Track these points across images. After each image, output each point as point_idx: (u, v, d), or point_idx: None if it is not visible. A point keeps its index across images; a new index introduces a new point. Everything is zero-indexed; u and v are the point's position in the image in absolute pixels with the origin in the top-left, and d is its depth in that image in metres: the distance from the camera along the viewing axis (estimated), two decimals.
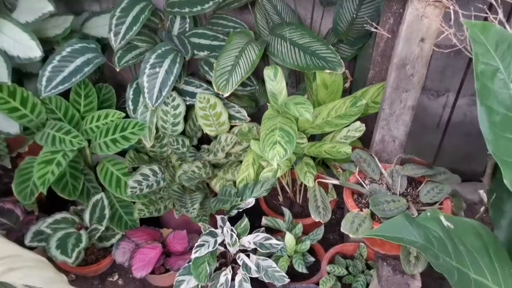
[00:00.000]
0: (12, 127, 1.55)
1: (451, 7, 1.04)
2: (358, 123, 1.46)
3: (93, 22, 1.71)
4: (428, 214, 0.87)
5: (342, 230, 1.14)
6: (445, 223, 0.87)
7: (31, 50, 1.45)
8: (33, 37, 1.45)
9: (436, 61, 1.74)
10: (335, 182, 1.30)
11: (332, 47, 1.49)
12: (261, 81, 1.61)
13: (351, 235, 1.11)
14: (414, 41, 1.21)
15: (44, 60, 1.48)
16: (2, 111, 1.48)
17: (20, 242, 1.57)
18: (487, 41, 0.88)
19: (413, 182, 1.30)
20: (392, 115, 1.36)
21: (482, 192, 1.07)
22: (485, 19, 1.08)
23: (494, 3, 1.04)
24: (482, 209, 1.14)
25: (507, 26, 1.04)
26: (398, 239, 0.81)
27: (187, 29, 1.66)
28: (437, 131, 1.98)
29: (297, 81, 1.87)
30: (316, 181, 1.42)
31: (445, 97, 1.89)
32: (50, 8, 1.48)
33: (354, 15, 1.58)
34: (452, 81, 1.83)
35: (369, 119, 1.58)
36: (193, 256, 1.39)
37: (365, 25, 1.47)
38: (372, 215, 1.17)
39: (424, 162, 1.29)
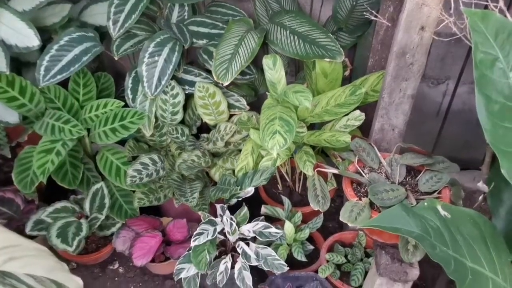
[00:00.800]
0: (11, 117, 1.54)
1: None
2: (357, 111, 1.46)
3: (91, 10, 1.69)
4: (425, 204, 0.87)
5: (341, 219, 1.14)
6: (442, 212, 0.87)
7: (28, 39, 1.44)
8: (31, 26, 1.44)
9: (436, 49, 1.73)
10: (335, 171, 1.30)
11: (331, 36, 1.48)
12: (261, 69, 1.60)
13: (350, 224, 1.11)
14: (414, 29, 1.20)
15: (42, 49, 1.47)
16: (1, 101, 1.47)
17: (20, 231, 1.58)
18: (486, 30, 0.87)
19: (412, 171, 1.30)
20: (392, 104, 1.36)
21: (481, 184, 1.07)
22: (486, 7, 1.07)
23: None
24: (481, 198, 1.15)
25: (507, 15, 1.04)
26: (395, 229, 0.81)
27: (186, 17, 1.65)
28: (437, 119, 1.97)
29: (296, 70, 1.86)
30: (315, 170, 1.42)
31: (445, 85, 1.88)
32: None
33: (354, 3, 1.57)
34: (452, 69, 1.82)
35: (369, 108, 1.57)
36: (192, 244, 1.40)
37: (364, 13, 1.46)
38: (371, 204, 1.18)
39: (423, 151, 1.29)
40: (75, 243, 1.52)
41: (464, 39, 1.03)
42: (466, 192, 1.76)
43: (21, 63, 1.62)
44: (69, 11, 1.61)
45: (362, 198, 1.20)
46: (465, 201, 1.41)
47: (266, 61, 1.42)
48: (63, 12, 1.61)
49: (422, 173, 1.25)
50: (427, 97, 1.93)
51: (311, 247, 1.58)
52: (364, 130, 1.60)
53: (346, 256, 1.56)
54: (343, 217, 1.14)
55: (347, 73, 1.69)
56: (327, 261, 1.53)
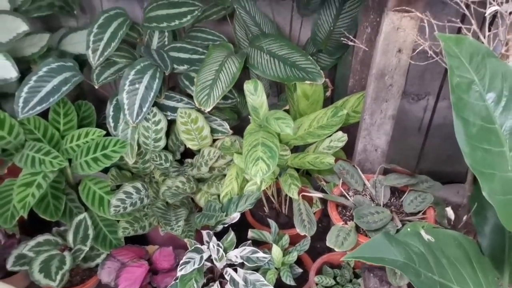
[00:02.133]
0: None
1: (425, 20, 1.04)
2: (340, 133, 1.46)
3: (70, 38, 1.69)
4: (408, 229, 0.87)
5: (327, 244, 1.14)
6: (426, 237, 0.87)
7: (6, 70, 1.43)
8: (8, 57, 1.43)
9: (416, 66, 1.76)
10: (319, 195, 1.30)
11: (311, 58, 1.49)
12: (243, 93, 1.60)
13: (336, 249, 1.11)
14: (391, 52, 1.22)
15: (21, 79, 1.46)
16: None
17: (1, 267, 1.54)
18: (461, 54, 0.89)
19: (396, 192, 1.30)
20: (373, 124, 1.37)
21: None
22: (459, 30, 1.09)
23: (467, 14, 1.05)
24: (465, 218, 1.15)
25: (481, 37, 1.06)
26: (378, 259, 0.81)
27: (166, 43, 1.65)
28: (419, 134, 1.99)
29: (278, 91, 1.87)
30: (300, 195, 1.42)
31: (426, 101, 1.91)
32: (24, 27, 1.46)
33: (332, 26, 1.59)
34: (431, 85, 1.85)
35: (352, 128, 1.58)
36: (179, 273, 1.38)
37: (342, 38, 1.48)
38: (357, 228, 1.17)
39: (407, 171, 1.30)
40: (58, 277, 1.48)
41: (440, 62, 1.05)
42: (451, 206, 1.78)
43: None
44: (47, 40, 1.60)
45: (348, 222, 1.19)
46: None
47: (248, 87, 1.42)
48: (42, 42, 1.60)
49: (406, 193, 1.26)
50: (409, 113, 1.95)
51: (300, 270, 1.57)
52: (348, 150, 1.61)
53: (335, 278, 1.55)
54: (330, 242, 1.13)
55: (328, 93, 1.70)
56: (316, 284, 1.52)
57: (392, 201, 1.28)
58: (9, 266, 1.53)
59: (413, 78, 1.83)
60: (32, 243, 1.55)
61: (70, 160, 1.59)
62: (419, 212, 1.21)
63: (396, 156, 1.99)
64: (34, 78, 1.48)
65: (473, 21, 1.04)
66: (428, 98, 1.90)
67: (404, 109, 1.93)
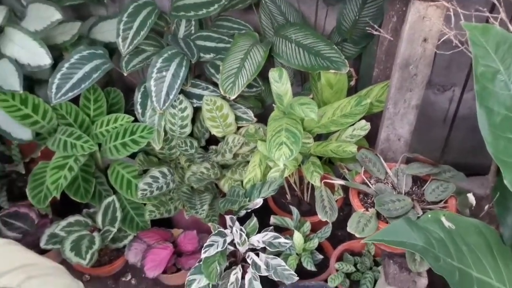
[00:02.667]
0: (25, 133, 1.58)
1: (451, 9, 1.04)
2: (363, 121, 1.47)
3: (100, 27, 1.73)
4: (429, 216, 0.89)
5: (348, 230, 1.16)
6: (446, 224, 0.88)
7: (40, 58, 1.48)
8: (42, 45, 1.48)
9: (442, 56, 1.74)
10: (341, 182, 1.32)
11: (336, 47, 1.50)
12: (267, 81, 1.62)
13: (357, 235, 1.13)
14: (416, 41, 1.22)
15: (54, 66, 1.51)
16: (15, 118, 1.51)
17: (35, 245, 1.62)
18: (487, 44, 0.89)
19: (418, 181, 1.31)
20: (397, 114, 1.37)
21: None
22: (487, 20, 1.08)
23: (496, 3, 1.04)
24: (486, 207, 1.15)
25: (509, 26, 1.05)
26: (398, 243, 0.82)
27: (193, 32, 1.68)
28: (444, 126, 1.98)
29: (303, 80, 1.88)
30: (322, 181, 1.44)
31: (451, 92, 1.89)
32: (58, 16, 1.51)
33: (357, 15, 1.59)
34: (457, 76, 1.83)
35: (375, 117, 1.59)
36: (203, 256, 1.42)
37: (366, 28, 1.48)
38: (378, 215, 1.19)
39: (429, 160, 1.30)
40: (88, 256, 1.54)
41: (466, 51, 1.05)
42: (475, 198, 1.77)
43: (33, 80, 1.66)
44: (78, 29, 1.65)
45: (369, 209, 1.21)
46: (474, 207, 1.42)
47: (272, 74, 1.44)
48: (73, 30, 1.65)
49: (428, 182, 1.26)
50: (434, 104, 1.94)
51: (320, 256, 1.59)
52: (371, 139, 1.61)
53: (355, 265, 1.57)
54: (351, 228, 1.16)
55: (352, 82, 1.70)
56: (337, 270, 1.54)
57: (413, 189, 1.29)
58: (42, 244, 1.61)
59: (439, 68, 1.81)
60: (63, 223, 1.62)
61: (99, 145, 1.65)
62: (440, 201, 1.22)
63: (420, 147, 1.98)
64: (66, 65, 1.53)
65: (501, 9, 1.04)
66: (454, 89, 1.88)
67: (430, 100, 1.92)
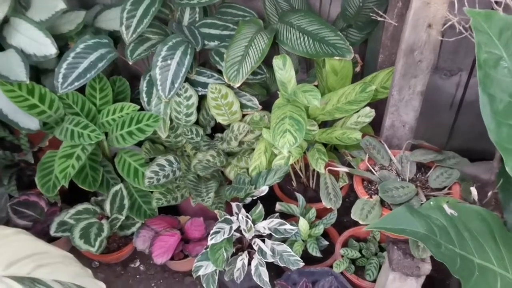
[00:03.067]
0: (33, 123, 1.60)
1: None
2: (367, 108, 1.47)
3: (105, 15, 1.74)
4: (431, 203, 0.89)
5: (352, 217, 1.17)
6: (449, 211, 0.89)
7: (46, 47, 1.49)
8: (48, 34, 1.49)
9: (449, 41, 1.73)
10: (345, 169, 1.32)
11: (340, 34, 1.49)
12: (272, 68, 1.62)
13: (361, 222, 1.14)
14: (421, 27, 1.21)
15: (59, 56, 1.52)
16: (22, 108, 1.53)
17: (45, 232, 1.65)
18: (490, 30, 0.88)
19: (422, 168, 1.31)
20: (402, 100, 1.37)
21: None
22: (497, 4, 1.07)
23: None
24: (490, 193, 1.16)
25: None
26: (400, 230, 0.83)
27: (197, 19, 1.68)
28: (451, 111, 1.97)
29: (308, 67, 1.88)
30: (326, 169, 1.44)
31: (458, 77, 1.88)
32: (62, 5, 1.51)
33: (362, 1, 1.57)
34: (464, 61, 1.81)
35: (381, 104, 1.59)
36: (209, 242, 1.45)
37: (371, 14, 1.47)
38: (382, 202, 1.20)
39: (434, 147, 1.30)
40: (97, 243, 1.57)
41: (470, 38, 1.04)
42: (482, 183, 1.77)
43: (39, 70, 1.67)
44: (83, 18, 1.65)
45: (373, 196, 1.22)
46: (479, 192, 1.42)
47: (276, 62, 1.44)
48: (78, 19, 1.66)
49: (432, 169, 1.27)
50: (440, 89, 1.92)
51: (326, 242, 1.60)
52: (376, 126, 1.61)
53: (360, 251, 1.58)
54: (354, 214, 1.16)
55: (358, 69, 1.70)
56: (342, 256, 1.56)
57: (418, 176, 1.29)
58: (52, 232, 1.64)
59: (446, 53, 1.80)
60: (72, 211, 1.65)
61: (106, 134, 1.66)
62: (444, 187, 1.22)
63: (427, 132, 1.97)
64: (72, 54, 1.54)
65: None
66: (461, 74, 1.87)
67: (436, 85, 1.90)
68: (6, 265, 0.87)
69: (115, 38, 1.68)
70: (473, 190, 1.13)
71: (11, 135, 1.81)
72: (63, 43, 1.65)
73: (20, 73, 1.45)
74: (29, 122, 1.59)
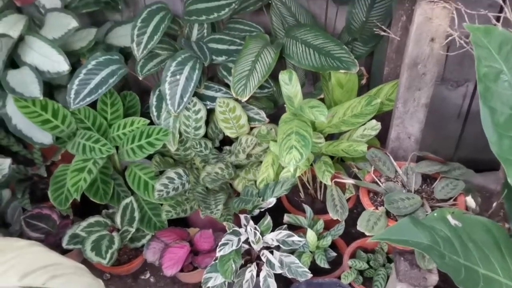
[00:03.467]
0: (46, 138, 1.64)
1: (456, 10, 1.05)
2: (373, 121, 1.49)
3: (115, 32, 1.78)
4: (435, 214, 0.90)
5: (358, 228, 1.18)
6: (453, 222, 0.90)
7: (59, 64, 1.53)
8: (61, 52, 1.53)
9: (455, 52, 1.75)
10: (351, 181, 1.34)
11: (345, 47, 1.51)
12: (279, 82, 1.65)
13: (367, 233, 1.15)
14: (424, 41, 1.23)
15: (72, 72, 1.56)
16: (36, 123, 1.57)
17: (57, 245, 1.68)
18: (490, 44, 0.90)
19: (428, 179, 1.32)
20: (407, 113, 1.39)
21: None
22: (497, 19, 1.09)
23: (502, 3, 1.05)
24: (495, 204, 1.16)
25: None
26: (403, 241, 0.85)
27: (205, 35, 1.72)
28: (458, 121, 1.98)
29: (314, 80, 1.90)
30: (332, 181, 1.46)
31: (465, 87, 1.89)
32: (74, 24, 1.56)
33: (367, 15, 1.60)
34: (471, 71, 1.83)
35: (387, 116, 1.60)
36: (218, 254, 1.46)
37: (374, 29, 1.49)
38: (388, 213, 1.21)
39: (439, 158, 1.32)
40: (108, 255, 1.60)
41: (471, 51, 1.06)
42: (490, 193, 1.77)
43: (52, 86, 1.71)
44: (95, 35, 1.70)
45: (379, 207, 1.23)
46: (486, 203, 1.43)
47: (283, 77, 1.47)
48: (90, 36, 1.70)
49: (437, 180, 1.28)
50: (447, 100, 1.94)
51: (334, 254, 1.62)
52: (382, 138, 1.63)
53: (368, 262, 1.59)
54: (361, 226, 1.18)
55: (364, 81, 1.72)
56: (350, 267, 1.56)
57: (423, 187, 1.30)
58: (64, 244, 1.67)
59: (452, 65, 1.81)
60: (84, 223, 1.68)
61: (117, 148, 1.70)
62: (450, 198, 1.23)
63: (434, 143, 1.98)
64: (83, 71, 1.58)
65: (506, 9, 1.04)
66: (468, 84, 1.88)
67: (443, 96, 1.92)
68: (21, 275, 0.89)
69: (126, 54, 1.72)
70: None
71: (25, 149, 1.85)
72: (76, 59, 1.70)
73: (34, 89, 1.49)
74: (42, 137, 1.63)
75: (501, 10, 1.25)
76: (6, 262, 0.93)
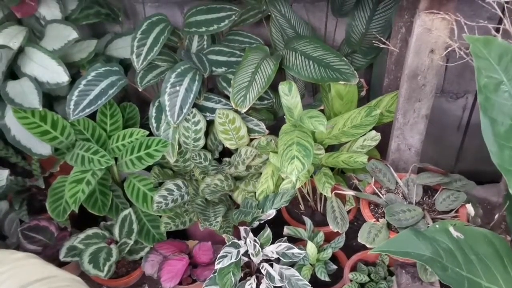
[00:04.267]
0: (44, 149, 1.63)
1: (456, 21, 1.06)
2: (373, 132, 1.49)
3: (115, 44, 1.79)
4: (437, 226, 0.89)
5: (359, 240, 1.17)
6: (455, 233, 0.89)
7: (58, 75, 1.53)
8: (60, 63, 1.53)
9: (454, 64, 1.75)
10: (351, 193, 1.33)
11: (345, 59, 1.52)
12: (278, 94, 1.65)
13: (367, 245, 1.14)
14: (423, 53, 1.23)
15: (71, 83, 1.56)
16: (35, 135, 1.57)
17: (55, 257, 1.66)
18: (489, 55, 0.90)
19: (429, 191, 1.31)
20: (407, 124, 1.38)
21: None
22: (497, 30, 1.09)
23: (500, 13, 1.05)
24: (497, 216, 1.15)
25: None
26: (405, 253, 0.83)
27: (205, 47, 1.72)
28: (458, 133, 1.98)
29: (314, 91, 1.90)
30: (332, 192, 1.45)
31: (464, 99, 1.89)
32: (74, 35, 1.56)
33: (366, 27, 1.61)
34: (470, 83, 1.83)
35: (387, 127, 1.60)
36: (217, 267, 1.45)
37: (374, 41, 1.50)
38: (389, 225, 1.20)
39: (440, 170, 1.31)
40: (106, 268, 1.58)
41: (471, 62, 1.06)
42: (491, 206, 1.76)
43: (51, 97, 1.71)
44: (95, 46, 1.70)
45: (380, 219, 1.22)
46: (487, 215, 1.41)
47: (282, 88, 1.47)
48: (90, 48, 1.70)
49: (438, 192, 1.27)
50: (447, 112, 1.94)
51: (334, 266, 1.60)
52: (383, 150, 1.62)
53: (369, 275, 1.57)
54: (361, 238, 1.17)
55: (363, 93, 1.72)
56: (351, 281, 1.55)
57: (424, 199, 1.29)
58: (61, 256, 1.65)
59: (451, 76, 1.82)
60: (82, 235, 1.66)
61: (116, 159, 1.69)
62: (451, 210, 1.22)
63: (435, 155, 1.98)
64: (83, 82, 1.58)
65: (505, 21, 1.05)
66: (467, 96, 1.88)
67: (443, 108, 1.92)
68: None
69: (126, 65, 1.72)
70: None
71: (23, 160, 1.85)
72: (75, 70, 1.70)
73: (33, 100, 1.49)
74: (41, 148, 1.63)
75: (500, 21, 1.25)
76: (2, 274, 0.92)
